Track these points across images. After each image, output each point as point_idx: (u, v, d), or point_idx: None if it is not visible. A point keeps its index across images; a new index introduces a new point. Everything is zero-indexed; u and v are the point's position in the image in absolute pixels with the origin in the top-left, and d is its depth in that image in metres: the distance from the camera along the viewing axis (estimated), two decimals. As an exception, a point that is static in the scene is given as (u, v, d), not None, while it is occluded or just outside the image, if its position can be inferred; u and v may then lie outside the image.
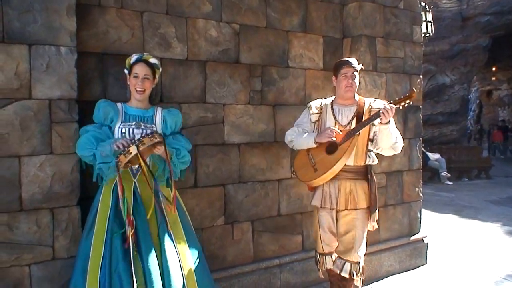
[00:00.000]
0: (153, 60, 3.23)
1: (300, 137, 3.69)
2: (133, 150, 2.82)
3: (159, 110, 3.29)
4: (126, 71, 3.23)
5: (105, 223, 2.94)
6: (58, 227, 3.22)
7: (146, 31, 3.78)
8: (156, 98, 3.73)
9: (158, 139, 2.90)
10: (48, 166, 3.17)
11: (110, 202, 3.00)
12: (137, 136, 3.02)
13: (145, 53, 3.27)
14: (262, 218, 4.49)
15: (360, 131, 3.53)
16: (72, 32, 3.24)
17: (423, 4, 8.34)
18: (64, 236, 3.24)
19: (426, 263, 5.59)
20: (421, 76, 5.50)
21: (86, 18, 3.48)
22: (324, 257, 3.76)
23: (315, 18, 4.80)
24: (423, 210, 5.69)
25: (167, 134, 3.24)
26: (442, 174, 13.67)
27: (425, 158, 10.40)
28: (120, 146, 2.88)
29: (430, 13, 9.38)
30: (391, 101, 3.53)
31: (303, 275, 4.65)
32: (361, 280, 3.77)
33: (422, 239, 5.61)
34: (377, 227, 3.80)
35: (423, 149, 5.79)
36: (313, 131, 3.73)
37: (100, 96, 3.55)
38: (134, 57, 3.19)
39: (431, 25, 9.32)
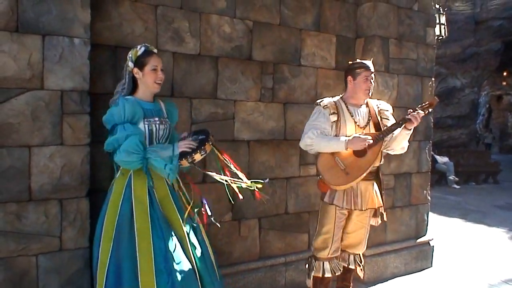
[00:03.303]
0: (155, 51, 3.12)
1: (325, 141, 3.56)
2: (208, 148, 2.97)
3: (161, 102, 3.21)
4: (131, 64, 3.02)
5: (148, 221, 2.88)
6: (66, 218, 3.21)
7: (160, 25, 3.78)
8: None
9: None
10: (58, 157, 3.16)
11: (147, 199, 2.93)
12: (161, 132, 3.05)
13: (148, 45, 3.10)
14: (269, 216, 4.49)
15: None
16: (86, 23, 3.23)
17: (437, 6, 8.30)
18: (72, 228, 3.24)
19: (432, 266, 5.56)
20: (433, 79, 5.46)
21: (100, 10, 3.47)
22: (321, 262, 3.74)
23: (329, 17, 4.78)
24: (429, 213, 5.67)
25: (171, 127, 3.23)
26: (450, 177, 13.61)
27: (433, 161, 10.35)
28: (189, 148, 2.95)
29: (444, 15, 9.34)
30: (417, 107, 3.56)
31: (308, 274, 4.64)
32: (363, 270, 3.98)
33: (428, 242, 5.59)
34: (380, 222, 3.90)
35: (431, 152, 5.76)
36: (333, 133, 3.63)
37: (112, 89, 3.52)
38: (142, 49, 3.02)
39: (444, 28, 9.27)
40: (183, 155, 2.90)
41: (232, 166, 3.13)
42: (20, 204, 3.06)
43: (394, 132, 3.61)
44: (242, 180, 3.15)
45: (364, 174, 3.53)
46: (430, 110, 3.65)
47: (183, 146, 2.93)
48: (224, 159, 3.11)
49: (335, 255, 3.77)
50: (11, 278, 3.06)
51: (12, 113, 3.00)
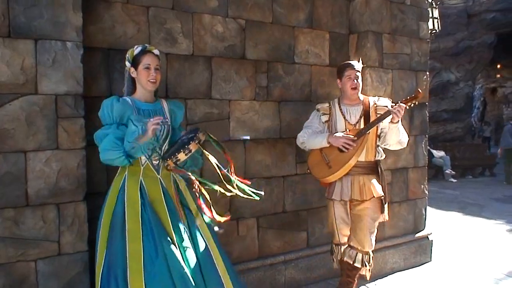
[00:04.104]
0: (157, 52, 3.11)
1: (312, 138, 3.90)
2: (193, 147, 2.81)
3: (164, 102, 3.21)
4: (128, 64, 3.07)
5: (139, 223, 2.86)
6: (64, 222, 3.21)
7: (152, 26, 3.77)
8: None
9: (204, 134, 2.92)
10: (54, 161, 3.16)
11: (139, 200, 2.91)
12: (157, 133, 2.93)
13: (147, 45, 3.13)
14: (267, 215, 4.48)
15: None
16: (78, 27, 3.23)
17: (429, 0, 8.31)
18: (70, 232, 3.23)
19: (431, 260, 5.57)
20: (427, 73, 5.46)
21: (92, 13, 3.46)
22: (339, 247, 4.05)
23: (322, 14, 4.78)
24: (427, 207, 5.67)
25: (175, 127, 3.20)
26: (446, 171, 13.64)
27: (430, 155, 10.37)
28: (158, 125, 2.84)
29: (437, 9, 9.35)
30: (400, 101, 3.74)
31: (307, 272, 4.64)
32: (370, 270, 4.01)
33: (427, 236, 5.59)
34: (387, 218, 4.02)
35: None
36: (325, 131, 3.96)
37: (106, 91, 3.54)
38: (138, 48, 3.04)
39: (437, 22, 9.28)
40: (169, 155, 2.84)
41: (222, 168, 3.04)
42: (17, 210, 3.06)
43: (383, 127, 3.84)
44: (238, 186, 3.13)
45: (346, 166, 3.76)
46: (415, 102, 3.81)
47: (151, 124, 2.81)
48: (210, 159, 2.99)
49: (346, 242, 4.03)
50: (11, 283, 3.05)
51: (7, 119, 3.00)
